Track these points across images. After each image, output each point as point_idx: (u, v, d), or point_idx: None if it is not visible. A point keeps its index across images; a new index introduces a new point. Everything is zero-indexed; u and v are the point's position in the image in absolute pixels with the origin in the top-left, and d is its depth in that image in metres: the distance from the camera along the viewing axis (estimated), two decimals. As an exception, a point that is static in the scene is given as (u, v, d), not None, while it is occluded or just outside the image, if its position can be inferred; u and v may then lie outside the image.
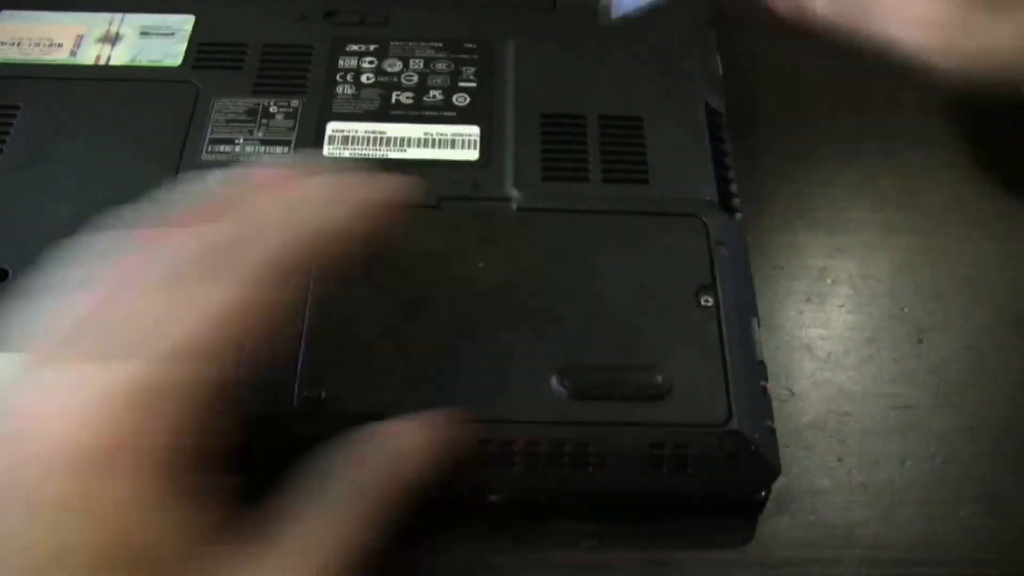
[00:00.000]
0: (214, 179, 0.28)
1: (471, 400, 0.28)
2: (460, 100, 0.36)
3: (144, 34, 0.38)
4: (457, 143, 0.34)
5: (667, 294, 0.30)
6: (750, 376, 0.29)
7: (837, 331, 0.34)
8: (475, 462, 0.27)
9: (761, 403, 0.29)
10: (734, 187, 0.34)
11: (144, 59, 0.37)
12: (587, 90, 0.36)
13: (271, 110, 0.35)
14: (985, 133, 0.40)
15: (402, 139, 0.35)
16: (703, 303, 0.30)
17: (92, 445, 0.20)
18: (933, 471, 0.31)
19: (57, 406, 0.20)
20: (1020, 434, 0.32)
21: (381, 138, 0.35)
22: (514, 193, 0.33)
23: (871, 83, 0.42)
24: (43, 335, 0.22)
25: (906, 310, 0.35)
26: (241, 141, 0.34)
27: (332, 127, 0.35)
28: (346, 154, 0.34)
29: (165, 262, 0.23)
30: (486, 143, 0.34)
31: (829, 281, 0.36)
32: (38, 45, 0.38)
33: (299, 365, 0.29)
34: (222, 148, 0.34)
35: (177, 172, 0.33)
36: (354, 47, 0.38)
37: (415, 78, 0.37)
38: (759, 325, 0.31)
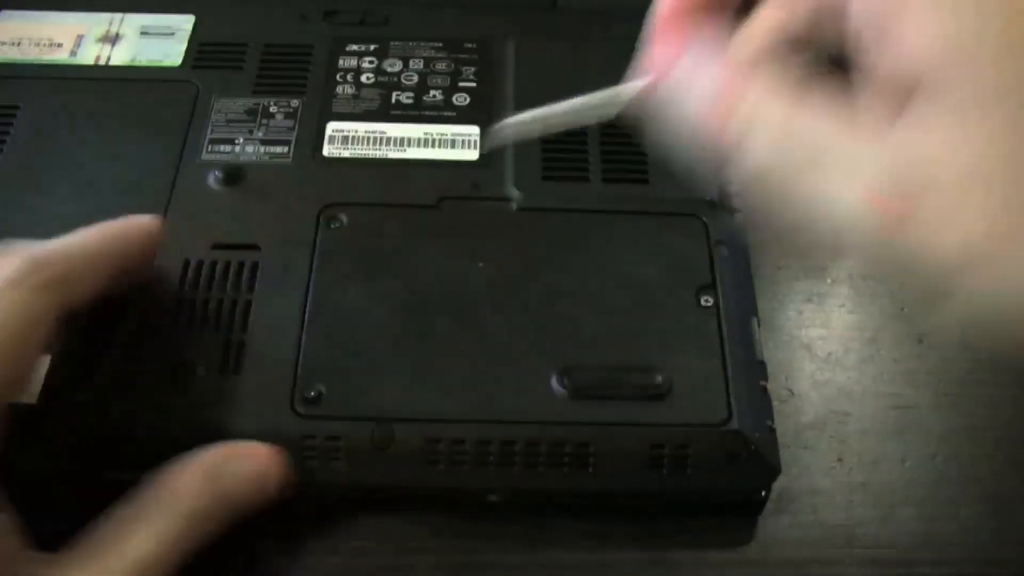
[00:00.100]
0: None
1: (471, 400, 0.28)
2: (460, 100, 0.36)
3: (144, 34, 0.38)
4: (457, 143, 0.34)
5: (667, 294, 0.30)
6: (750, 376, 0.29)
7: (837, 331, 0.34)
8: (475, 462, 0.28)
9: (761, 403, 0.29)
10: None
11: (144, 59, 0.37)
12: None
13: (271, 110, 0.35)
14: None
15: (402, 139, 0.35)
16: (703, 303, 0.30)
17: None
18: (933, 471, 0.31)
19: None
20: (1020, 434, 0.32)
21: (381, 138, 0.35)
22: (514, 193, 0.33)
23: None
24: None
25: (906, 310, 0.35)
26: (241, 141, 0.34)
27: (332, 127, 0.35)
28: (346, 154, 0.34)
29: None
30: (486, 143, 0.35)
31: (829, 281, 0.36)
32: (38, 45, 0.38)
33: (299, 365, 0.29)
34: (222, 148, 0.34)
35: (177, 172, 0.33)
36: (354, 47, 0.38)
37: (415, 78, 0.37)
38: (759, 325, 0.31)
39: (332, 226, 0.32)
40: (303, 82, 0.36)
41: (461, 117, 0.35)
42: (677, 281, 0.31)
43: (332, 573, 0.28)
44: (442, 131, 0.35)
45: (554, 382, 0.28)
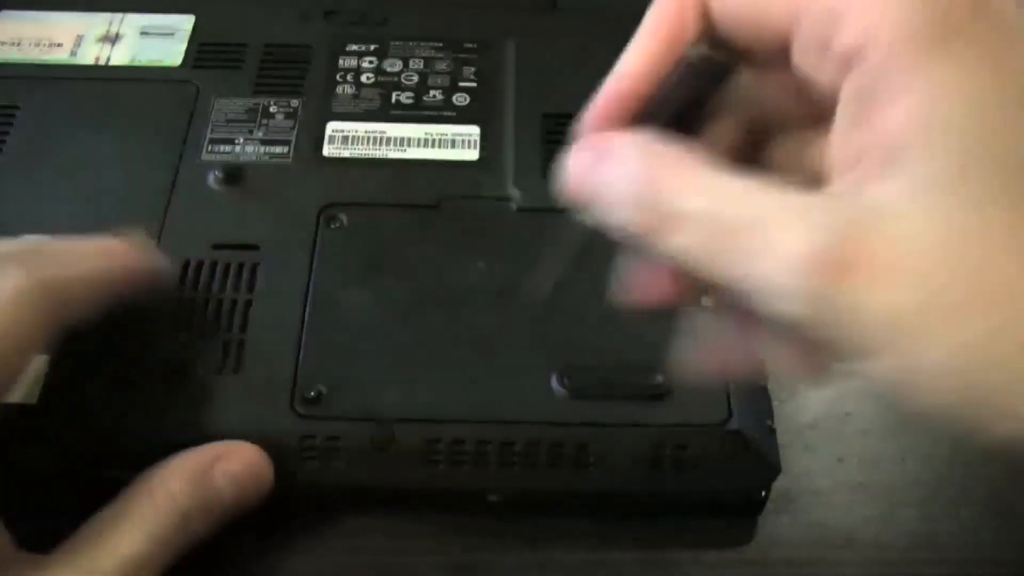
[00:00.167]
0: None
1: (471, 400, 0.28)
2: (460, 100, 0.36)
3: (144, 34, 0.38)
4: (457, 143, 0.34)
5: (667, 294, 0.30)
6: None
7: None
8: (475, 462, 0.27)
9: (761, 403, 0.29)
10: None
11: (144, 59, 0.37)
12: (587, 90, 0.36)
13: (271, 110, 0.35)
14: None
15: (402, 139, 0.35)
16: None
17: None
18: (934, 471, 0.31)
19: None
20: (1020, 434, 0.32)
21: (381, 138, 0.35)
22: (514, 193, 0.33)
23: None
24: None
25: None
26: (241, 141, 0.34)
27: (332, 127, 0.35)
28: (346, 154, 0.34)
29: None
30: (486, 143, 0.34)
31: (829, 281, 0.36)
32: (38, 45, 0.38)
33: (298, 365, 0.29)
34: (222, 148, 0.34)
35: (177, 172, 0.33)
36: (354, 47, 0.38)
37: (415, 78, 0.37)
38: (759, 325, 0.31)
39: (332, 226, 0.32)
40: (303, 82, 0.36)
41: (461, 117, 0.35)
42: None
43: (332, 573, 0.28)
44: (442, 131, 0.35)
45: (554, 382, 0.28)
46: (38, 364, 0.28)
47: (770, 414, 0.29)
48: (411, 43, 0.38)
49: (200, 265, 0.31)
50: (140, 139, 0.34)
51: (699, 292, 0.22)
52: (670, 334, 0.28)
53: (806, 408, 0.32)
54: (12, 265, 0.25)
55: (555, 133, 0.35)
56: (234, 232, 0.32)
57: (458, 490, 0.28)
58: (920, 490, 0.30)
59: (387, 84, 0.36)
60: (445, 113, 0.35)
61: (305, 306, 0.30)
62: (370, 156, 0.34)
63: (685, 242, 0.18)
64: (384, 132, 0.35)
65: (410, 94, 0.36)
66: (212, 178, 0.33)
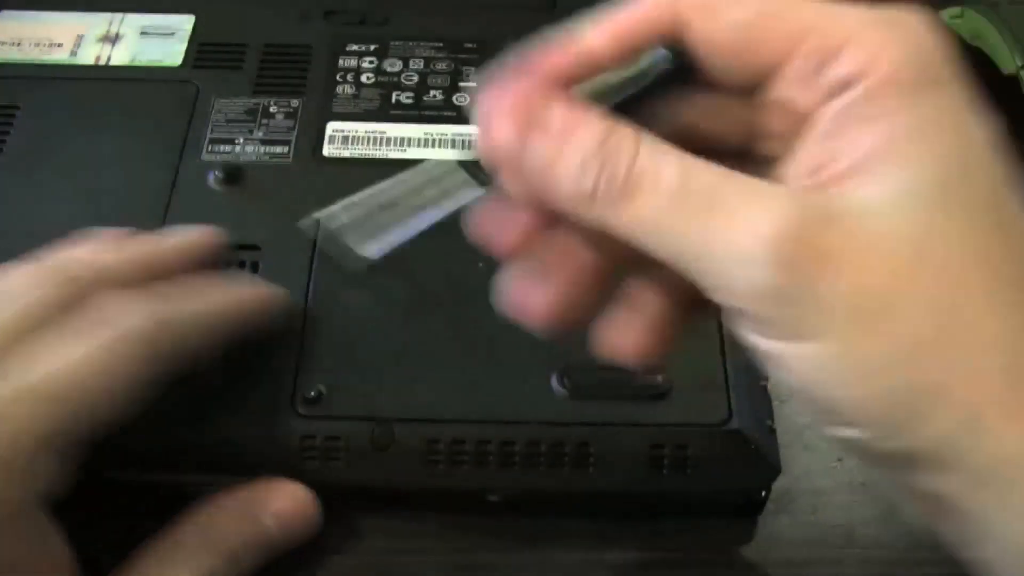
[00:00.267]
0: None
1: (471, 400, 0.28)
2: (460, 100, 0.36)
3: (144, 34, 0.38)
4: (457, 143, 0.34)
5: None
6: (750, 376, 0.29)
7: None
8: (475, 462, 0.27)
9: (761, 403, 0.29)
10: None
11: (144, 59, 0.37)
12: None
13: (271, 110, 0.35)
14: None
15: (402, 139, 0.35)
16: None
17: None
18: (933, 471, 0.31)
19: None
20: (1020, 434, 0.32)
21: (381, 138, 0.35)
22: (514, 193, 0.33)
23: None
24: None
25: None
26: (241, 141, 0.34)
27: (332, 127, 0.35)
28: (346, 154, 0.34)
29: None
30: (486, 143, 0.34)
31: (829, 281, 0.36)
32: (38, 45, 0.38)
33: (299, 365, 0.29)
34: (222, 148, 0.34)
35: (177, 172, 0.33)
36: (354, 47, 0.38)
37: (415, 78, 0.37)
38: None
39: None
40: (303, 82, 0.36)
41: (461, 117, 0.35)
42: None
43: (332, 572, 0.28)
44: (442, 131, 0.35)
45: (554, 382, 0.28)
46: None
47: (770, 414, 0.29)
48: (411, 43, 0.38)
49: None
50: (140, 139, 0.34)
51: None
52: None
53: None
54: (134, 303, 0.25)
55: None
56: (234, 232, 0.31)
57: (458, 490, 0.28)
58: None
59: (387, 84, 0.36)
60: (445, 113, 0.35)
61: (305, 306, 0.30)
62: (370, 156, 0.34)
63: (641, 213, 0.19)
64: (384, 132, 0.35)
65: (410, 94, 0.36)
66: (212, 178, 0.33)
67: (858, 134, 0.18)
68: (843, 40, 0.19)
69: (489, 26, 0.38)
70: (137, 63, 0.37)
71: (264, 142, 0.34)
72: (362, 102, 0.36)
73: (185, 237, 0.29)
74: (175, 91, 0.36)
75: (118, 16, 0.39)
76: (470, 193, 0.22)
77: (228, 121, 0.35)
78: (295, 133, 0.35)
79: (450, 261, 0.31)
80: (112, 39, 0.38)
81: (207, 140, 0.34)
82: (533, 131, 0.19)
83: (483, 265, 0.31)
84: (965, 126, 0.19)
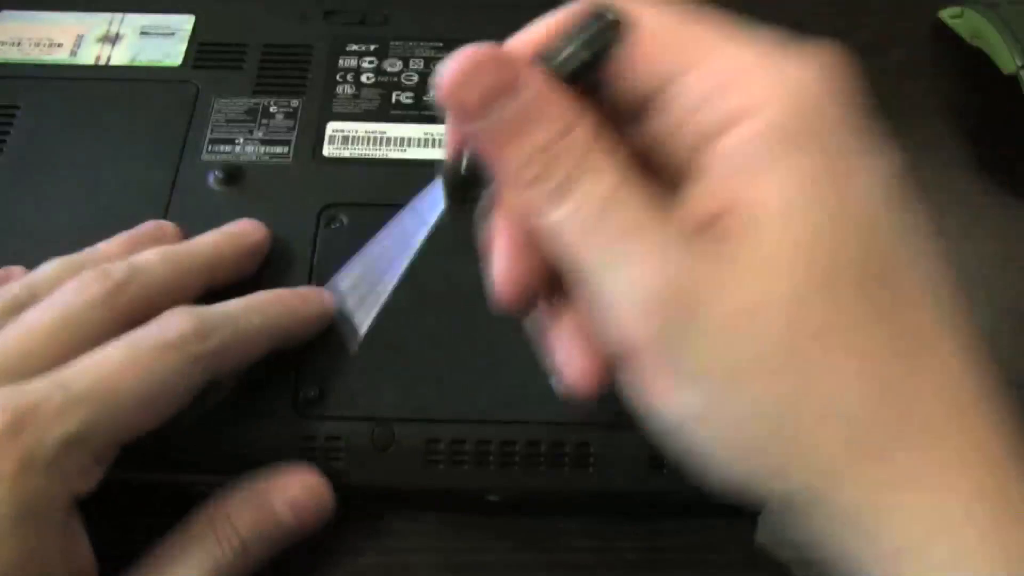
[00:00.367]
0: None
1: (471, 400, 0.28)
2: (460, 100, 0.36)
3: (144, 34, 0.38)
4: (457, 143, 0.34)
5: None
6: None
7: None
8: (475, 462, 0.28)
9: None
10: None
11: (144, 59, 0.37)
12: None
13: (271, 110, 0.35)
14: (985, 133, 0.40)
15: (402, 139, 0.35)
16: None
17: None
18: (933, 471, 0.31)
19: None
20: (1020, 434, 0.32)
21: (381, 138, 0.35)
22: (514, 193, 0.33)
23: (871, 83, 0.42)
24: None
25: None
26: (241, 141, 0.34)
27: (332, 127, 0.35)
28: (346, 154, 0.34)
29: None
30: (486, 143, 0.34)
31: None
32: (38, 45, 0.38)
33: (299, 365, 0.29)
34: (222, 148, 0.34)
35: (177, 172, 0.33)
36: (354, 47, 0.38)
37: (415, 78, 0.37)
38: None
39: (332, 226, 0.32)
40: (303, 82, 0.36)
41: (461, 117, 0.35)
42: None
43: (332, 572, 0.28)
44: (442, 131, 0.35)
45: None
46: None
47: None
48: (411, 43, 0.38)
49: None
50: (140, 139, 0.34)
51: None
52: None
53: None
54: (180, 314, 0.25)
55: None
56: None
57: (458, 490, 0.28)
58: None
59: (387, 84, 0.36)
60: (445, 113, 0.35)
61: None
62: (370, 156, 0.34)
63: (563, 221, 0.19)
64: (384, 132, 0.35)
65: (410, 94, 0.36)
66: (212, 178, 0.33)
67: (739, 184, 0.19)
68: (733, 75, 0.19)
69: (489, 26, 0.38)
70: (137, 63, 0.37)
71: (264, 142, 0.34)
72: (362, 102, 0.36)
73: (226, 239, 0.30)
74: (175, 91, 0.36)
75: (118, 16, 0.39)
76: (439, 209, 0.22)
77: (228, 121, 0.35)
78: (295, 133, 0.35)
79: (450, 261, 0.31)
80: (112, 39, 0.38)
81: (207, 140, 0.34)
82: (505, 94, 0.19)
83: (483, 265, 0.31)
84: (849, 187, 0.19)
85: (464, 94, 0.19)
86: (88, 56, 0.37)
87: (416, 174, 0.33)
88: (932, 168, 0.39)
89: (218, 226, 0.31)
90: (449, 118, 0.21)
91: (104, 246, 0.29)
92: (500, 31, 0.39)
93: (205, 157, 0.34)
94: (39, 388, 0.23)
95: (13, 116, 0.35)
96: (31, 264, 0.28)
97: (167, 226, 0.31)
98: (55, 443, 0.22)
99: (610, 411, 0.28)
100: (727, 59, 0.19)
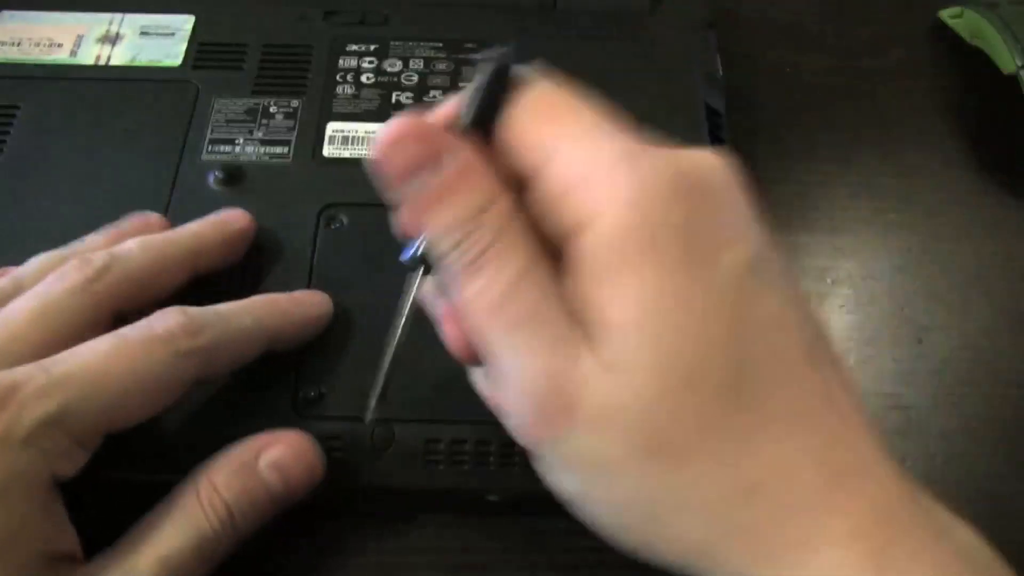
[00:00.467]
0: None
1: (471, 400, 0.28)
2: (460, 100, 0.36)
3: (144, 34, 0.38)
4: (457, 143, 0.34)
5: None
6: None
7: (837, 331, 0.34)
8: (475, 462, 0.27)
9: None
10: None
11: (144, 59, 0.37)
12: (587, 90, 0.36)
13: (271, 110, 0.35)
14: (985, 133, 0.40)
15: (402, 139, 0.34)
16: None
17: None
18: (933, 471, 0.31)
19: None
20: (1020, 434, 0.32)
21: (381, 138, 0.35)
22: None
23: (871, 83, 0.42)
24: None
25: (906, 310, 0.35)
26: (241, 141, 0.34)
27: (332, 127, 0.35)
28: (346, 154, 0.34)
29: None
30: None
31: (829, 281, 0.36)
32: (38, 45, 0.38)
33: (299, 365, 0.29)
34: (222, 148, 0.34)
35: (177, 172, 0.33)
36: (354, 47, 0.38)
37: (415, 78, 0.37)
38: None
39: (332, 226, 0.32)
40: (303, 82, 0.36)
41: (461, 117, 0.35)
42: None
43: (332, 572, 0.28)
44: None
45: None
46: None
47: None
48: (411, 43, 0.38)
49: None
50: (140, 139, 0.34)
51: None
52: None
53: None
54: (173, 313, 0.25)
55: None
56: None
57: (458, 490, 0.28)
58: (920, 490, 0.30)
59: (387, 84, 0.36)
60: (445, 113, 0.35)
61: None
62: (370, 156, 0.34)
63: (472, 298, 0.20)
64: (384, 132, 0.35)
65: (410, 94, 0.36)
66: (212, 178, 0.33)
67: (592, 291, 0.20)
68: (582, 176, 0.20)
69: (489, 26, 0.38)
70: (137, 63, 0.37)
71: (264, 142, 0.34)
72: (362, 102, 0.36)
73: (209, 226, 0.30)
74: (175, 91, 0.36)
75: (118, 16, 0.39)
76: (417, 287, 0.23)
77: (228, 121, 0.35)
78: (295, 133, 0.35)
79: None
80: (112, 39, 0.38)
81: (207, 140, 0.34)
82: (428, 165, 0.20)
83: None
84: (693, 298, 0.19)
85: (391, 161, 0.20)
86: (88, 56, 0.37)
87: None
88: (932, 168, 0.39)
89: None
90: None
91: (90, 239, 0.29)
92: (500, 31, 0.39)
93: (205, 157, 0.34)
94: (21, 370, 0.23)
95: (13, 116, 0.35)
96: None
97: (152, 217, 0.31)
98: (33, 422, 0.22)
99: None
100: (580, 157, 0.20)
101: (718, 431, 0.19)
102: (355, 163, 0.34)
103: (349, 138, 0.35)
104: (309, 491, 0.26)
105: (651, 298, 0.19)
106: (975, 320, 0.35)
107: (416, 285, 0.23)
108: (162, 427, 0.27)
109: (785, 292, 0.21)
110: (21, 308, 0.25)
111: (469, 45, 0.38)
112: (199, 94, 0.36)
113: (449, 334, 0.23)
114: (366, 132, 0.35)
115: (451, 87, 0.36)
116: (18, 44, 0.38)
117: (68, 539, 0.24)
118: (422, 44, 0.38)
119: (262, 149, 0.34)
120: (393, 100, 0.36)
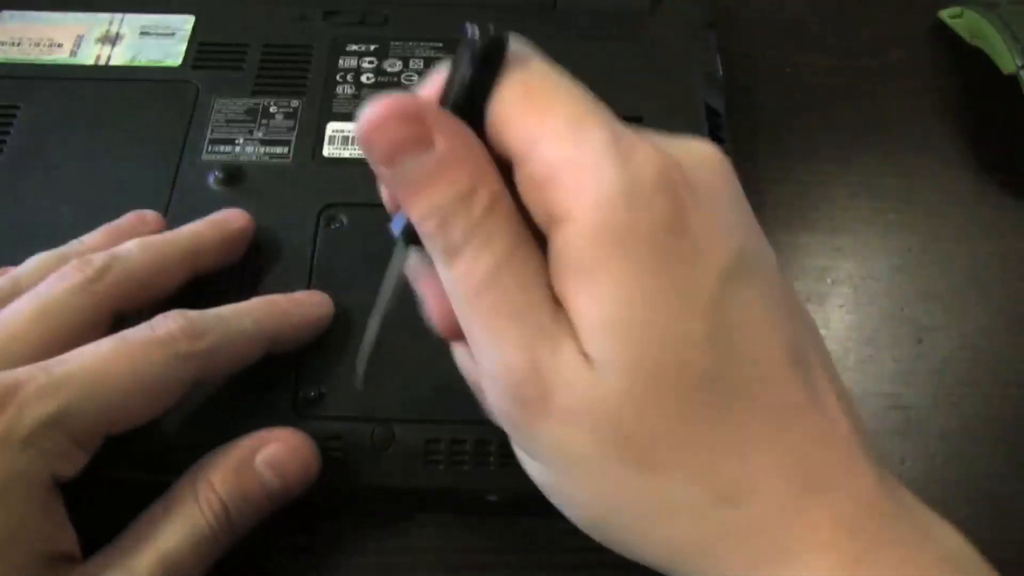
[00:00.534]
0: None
1: (471, 400, 0.28)
2: (460, 100, 0.36)
3: (144, 34, 0.38)
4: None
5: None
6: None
7: (837, 331, 0.34)
8: (475, 462, 0.27)
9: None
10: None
11: (144, 59, 0.37)
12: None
13: (271, 110, 0.35)
14: (985, 133, 0.40)
15: (402, 139, 0.34)
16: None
17: None
18: (933, 471, 0.31)
19: None
20: (1020, 434, 0.32)
21: (381, 138, 0.35)
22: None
23: (871, 83, 0.42)
24: None
25: (906, 310, 0.35)
26: (241, 141, 0.34)
27: (332, 127, 0.35)
28: (346, 154, 0.34)
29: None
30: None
31: (829, 281, 0.36)
32: (38, 45, 0.38)
33: (299, 366, 0.29)
34: (222, 148, 0.34)
35: (177, 172, 0.33)
36: (354, 47, 0.38)
37: (415, 78, 0.37)
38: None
39: (332, 226, 0.32)
40: (303, 82, 0.36)
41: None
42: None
43: (332, 572, 0.28)
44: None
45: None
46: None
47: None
48: (411, 43, 0.38)
49: (200, 265, 0.30)
50: (140, 139, 0.34)
51: None
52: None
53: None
54: (174, 317, 0.25)
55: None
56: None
57: (458, 490, 0.28)
58: (919, 490, 0.30)
59: (387, 84, 0.36)
60: (445, 113, 0.35)
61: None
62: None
63: (455, 279, 0.20)
64: (384, 132, 0.35)
65: (410, 94, 0.36)
66: (212, 178, 0.33)
67: (567, 285, 0.19)
68: (561, 168, 0.19)
69: (488, 26, 0.38)
70: (137, 63, 0.37)
71: (264, 142, 0.34)
72: (362, 102, 0.36)
73: (208, 226, 0.30)
74: (175, 91, 0.36)
75: (118, 16, 0.39)
76: (405, 257, 0.23)
77: (228, 121, 0.35)
78: (295, 133, 0.35)
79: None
80: (112, 39, 0.38)
81: (207, 140, 0.34)
82: (414, 149, 0.20)
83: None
84: (669, 298, 0.19)
85: (376, 143, 0.20)
86: (88, 56, 0.37)
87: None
88: (932, 168, 0.39)
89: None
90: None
91: (87, 238, 0.29)
92: (500, 31, 0.39)
93: (205, 157, 0.34)
94: (22, 370, 0.23)
95: (13, 116, 0.35)
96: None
97: (149, 215, 0.31)
98: (34, 422, 0.22)
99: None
100: (565, 145, 0.19)
101: (690, 437, 0.19)
102: (355, 163, 0.34)
103: (349, 138, 0.35)
104: (305, 488, 0.26)
105: (625, 297, 0.19)
106: (975, 320, 0.35)
107: (404, 257, 0.23)
108: (162, 427, 0.27)
109: (771, 291, 0.20)
110: (21, 308, 0.25)
111: (469, 45, 0.38)
112: (199, 94, 0.36)
113: (432, 309, 0.23)
114: (366, 132, 0.35)
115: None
116: (18, 44, 0.38)
117: (67, 539, 0.24)
118: (422, 44, 0.38)
119: (262, 149, 0.34)
120: (393, 100, 0.36)
